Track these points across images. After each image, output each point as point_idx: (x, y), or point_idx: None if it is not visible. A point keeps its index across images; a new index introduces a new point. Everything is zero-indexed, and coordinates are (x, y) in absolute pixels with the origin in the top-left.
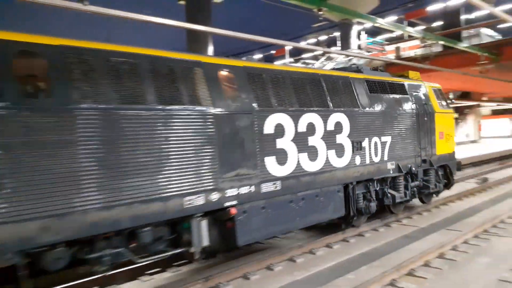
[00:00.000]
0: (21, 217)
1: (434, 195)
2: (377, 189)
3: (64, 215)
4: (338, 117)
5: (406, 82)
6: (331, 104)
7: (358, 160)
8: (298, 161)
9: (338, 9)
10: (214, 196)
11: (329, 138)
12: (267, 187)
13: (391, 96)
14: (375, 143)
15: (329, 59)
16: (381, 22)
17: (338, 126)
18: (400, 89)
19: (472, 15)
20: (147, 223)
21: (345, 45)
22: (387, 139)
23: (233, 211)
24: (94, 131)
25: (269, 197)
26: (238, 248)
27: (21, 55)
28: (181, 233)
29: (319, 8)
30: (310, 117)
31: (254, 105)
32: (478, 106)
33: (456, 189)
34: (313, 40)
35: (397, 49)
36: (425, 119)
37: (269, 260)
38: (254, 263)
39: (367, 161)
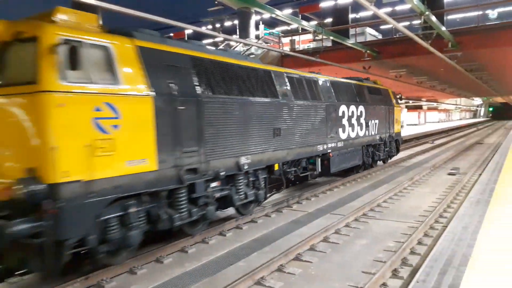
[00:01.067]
0: (285, 149)
1: (389, 158)
2: (372, 150)
3: (292, 149)
4: (368, 108)
5: (382, 88)
6: (369, 100)
7: (366, 133)
8: (349, 132)
9: None
10: (324, 147)
11: (360, 120)
12: (340, 144)
13: (379, 96)
14: (373, 124)
15: (228, 46)
16: (279, 13)
17: (366, 114)
18: (382, 92)
19: (359, 15)
20: (304, 157)
21: (244, 34)
22: (377, 121)
23: (331, 154)
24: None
25: (340, 149)
26: (331, 174)
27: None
28: (310, 164)
29: None
30: (358, 108)
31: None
32: None
33: (340, 175)
34: (210, 27)
35: (292, 41)
36: (390, 110)
37: (158, 252)
38: (142, 257)
39: (370, 134)
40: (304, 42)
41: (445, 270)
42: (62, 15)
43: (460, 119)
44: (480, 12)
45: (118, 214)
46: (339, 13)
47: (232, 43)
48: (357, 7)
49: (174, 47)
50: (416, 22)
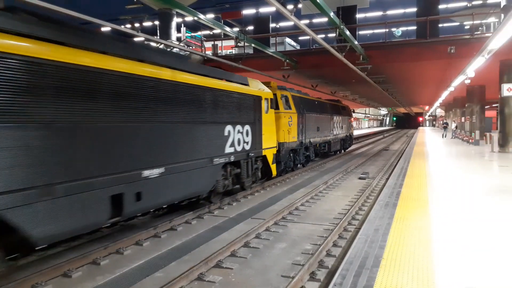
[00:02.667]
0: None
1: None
2: (342, 142)
3: (322, 138)
4: (341, 118)
5: (346, 106)
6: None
7: (341, 132)
8: (336, 131)
9: None
10: (328, 138)
11: (339, 124)
12: (333, 137)
13: (345, 111)
14: (344, 126)
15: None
16: (202, 17)
17: (341, 121)
18: (346, 108)
19: (279, 25)
20: (323, 142)
21: (165, 36)
22: (345, 125)
23: (331, 141)
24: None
25: (333, 139)
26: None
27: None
28: (325, 146)
29: None
30: (338, 117)
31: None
32: None
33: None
34: (129, 25)
35: (214, 46)
36: (349, 119)
37: (66, 266)
38: (46, 271)
39: (342, 133)
40: (226, 48)
41: (360, 272)
42: (273, 85)
43: (369, 127)
44: (387, 30)
45: (291, 154)
46: (260, 22)
47: (153, 44)
48: (277, 17)
49: (300, 94)
50: (331, 35)
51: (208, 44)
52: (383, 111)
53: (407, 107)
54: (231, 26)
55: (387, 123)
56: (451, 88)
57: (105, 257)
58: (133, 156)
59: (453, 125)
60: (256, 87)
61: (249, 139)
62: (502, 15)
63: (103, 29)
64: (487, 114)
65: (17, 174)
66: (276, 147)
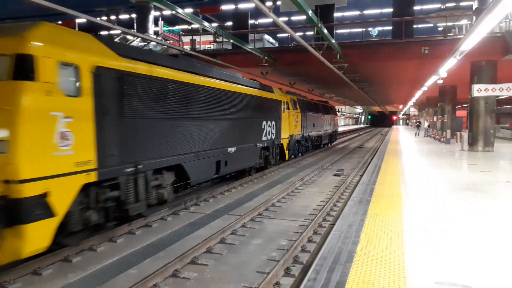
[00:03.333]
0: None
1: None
2: (330, 136)
3: (316, 132)
4: (329, 116)
5: (332, 106)
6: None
7: (330, 128)
8: (326, 127)
9: None
10: (320, 132)
11: (328, 122)
12: (324, 132)
13: (332, 110)
14: (331, 124)
15: (125, 40)
16: (180, 11)
17: (330, 119)
18: (333, 108)
19: (258, 22)
20: (317, 135)
21: (142, 29)
22: (332, 123)
23: (323, 135)
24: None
25: (323, 134)
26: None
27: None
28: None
29: None
30: (327, 116)
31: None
32: None
33: (238, 176)
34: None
35: (192, 41)
36: (335, 117)
37: (36, 263)
38: (16, 269)
39: (330, 129)
40: (205, 43)
41: (333, 267)
42: (283, 90)
43: (344, 125)
44: (364, 29)
45: (296, 144)
46: (239, 18)
47: (129, 37)
48: (256, 14)
49: (302, 97)
50: (309, 33)
51: (186, 39)
52: (359, 109)
53: (382, 106)
54: (209, 21)
55: (362, 121)
56: (424, 88)
57: (77, 254)
58: (223, 140)
59: (426, 124)
60: (278, 93)
61: (274, 131)
62: (474, 18)
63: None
64: (458, 113)
65: (185, 146)
66: (288, 138)
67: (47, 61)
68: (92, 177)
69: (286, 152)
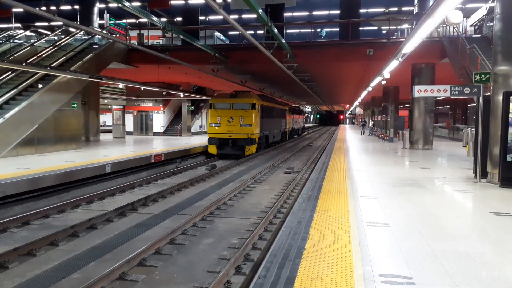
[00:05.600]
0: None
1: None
2: (300, 130)
3: (295, 126)
4: (297, 116)
5: (302, 108)
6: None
7: (298, 125)
8: (295, 124)
9: None
10: (294, 127)
11: (297, 120)
12: (292, 127)
13: (300, 111)
14: (299, 121)
15: (67, 33)
16: (127, 4)
17: (298, 118)
18: (301, 110)
19: (208, 18)
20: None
21: (86, 22)
22: (302, 120)
23: (287, 130)
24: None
25: (294, 128)
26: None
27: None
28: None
29: None
30: (297, 115)
31: None
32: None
33: (188, 175)
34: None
35: (140, 35)
36: (304, 116)
37: None
38: None
39: (299, 125)
40: (153, 37)
41: (283, 263)
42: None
43: None
44: (313, 30)
45: (292, 132)
46: (189, 13)
47: (72, 30)
48: (207, 10)
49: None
50: (260, 32)
51: (134, 33)
52: (308, 108)
53: (330, 105)
54: (158, 15)
55: (311, 120)
56: (369, 88)
57: (15, 260)
58: (275, 126)
59: (371, 123)
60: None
61: (286, 123)
62: (414, 22)
63: (14, 10)
64: (400, 113)
65: (269, 127)
66: (290, 131)
67: (257, 104)
68: (259, 134)
69: (289, 135)
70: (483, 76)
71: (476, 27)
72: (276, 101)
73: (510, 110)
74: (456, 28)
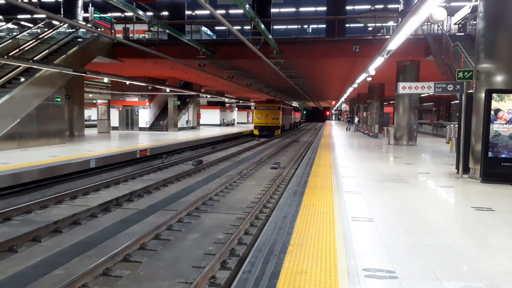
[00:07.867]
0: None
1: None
2: (296, 124)
3: (290, 121)
4: (294, 113)
5: (297, 106)
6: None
7: (295, 120)
8: (294, 120)
9: None
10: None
11: (294, 116)
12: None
13: (295, 109)
14: (295, 117)
15: (50, 26)
16: None
17: (294, 114)
18: (295, 108)
19: (195, 13)
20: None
21: (70, 15)
22: (297, 116)
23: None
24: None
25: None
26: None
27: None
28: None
29: None
30: (293, 113)
31: None
32: (198, 96)
33: (174, 170)
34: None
35: (126, 29)
36: (299, 113)
37: None
38: None
39: (295, 120)
40: (139, 32)
41: (268, 258)
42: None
43: None
44: (299, 26)
45: (291, 125)
46: (176, 8)
47: (55, 22)
48: (193, 5)
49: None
50: (247, 27)
51: (119, 27)
52: (295, 104)
53: (316, 101)
54: (144, 9)
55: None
56: (355, 85)
57: None
58: (288, 119)
59: (356, 119)
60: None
61: (292, 118)
62: (400, 19)
63: None
64: (385, 110)
65: (284, 120)
66: (293, 123)
67: (280, 107)
68: (281, 124)
69: (292, 123)
70: (466, 73)
71: (460, 25)
72: (289, 105)
73: (492, 107)
74: (440, 26)
